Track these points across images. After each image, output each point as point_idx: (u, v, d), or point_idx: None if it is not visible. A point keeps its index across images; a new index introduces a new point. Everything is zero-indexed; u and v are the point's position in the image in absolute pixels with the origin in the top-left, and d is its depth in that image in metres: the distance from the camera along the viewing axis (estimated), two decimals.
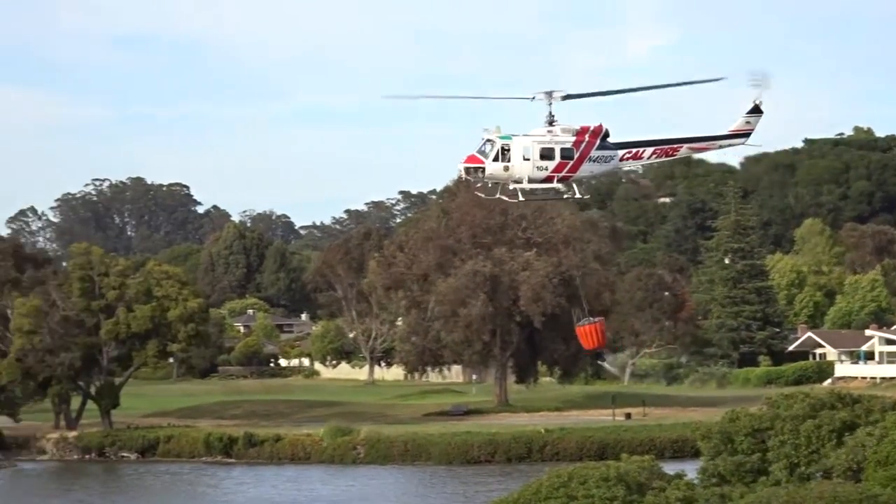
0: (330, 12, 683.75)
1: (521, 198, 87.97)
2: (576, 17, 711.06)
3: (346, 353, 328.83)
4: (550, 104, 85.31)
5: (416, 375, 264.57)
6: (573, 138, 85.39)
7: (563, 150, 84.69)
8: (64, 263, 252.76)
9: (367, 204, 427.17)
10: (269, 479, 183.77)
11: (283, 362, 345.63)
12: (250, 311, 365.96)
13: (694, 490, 74.99)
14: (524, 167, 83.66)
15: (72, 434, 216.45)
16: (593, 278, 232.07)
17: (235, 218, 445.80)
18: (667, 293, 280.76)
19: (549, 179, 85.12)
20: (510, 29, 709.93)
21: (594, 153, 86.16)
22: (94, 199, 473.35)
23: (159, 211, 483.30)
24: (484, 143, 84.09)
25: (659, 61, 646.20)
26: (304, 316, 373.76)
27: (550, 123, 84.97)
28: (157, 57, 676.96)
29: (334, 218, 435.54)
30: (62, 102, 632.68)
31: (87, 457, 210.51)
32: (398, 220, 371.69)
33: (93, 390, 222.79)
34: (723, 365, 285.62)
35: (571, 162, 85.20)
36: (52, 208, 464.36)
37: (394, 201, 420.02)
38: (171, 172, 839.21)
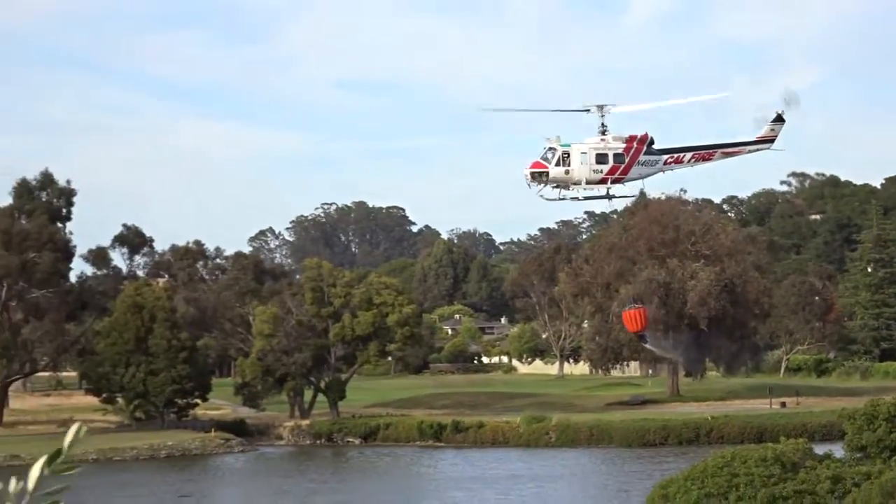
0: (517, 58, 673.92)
1: (580, 198, 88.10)
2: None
3: (539, 352, 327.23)
4: (602, 116, 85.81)
5: (600, 370, 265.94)
6: (623, 145, 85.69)
7: (615, 155, 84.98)
8: (297, 276, 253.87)
9: (557, 223, 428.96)
10: (475, 459, 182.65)
11: (485, 360, 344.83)
12: (457, 316, 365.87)
13: (841, 468, 74.58)
14: (582, 170, 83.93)
15: (305, 422, 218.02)
16: (753, 286, 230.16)
17: (444, 236, 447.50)
18: (817, 298, 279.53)
19: (603, 181, 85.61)
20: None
21: (642, 158, 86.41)
22: (323, 220, 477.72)
23: (379, 230, 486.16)
24: (546, 151, 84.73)
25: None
26: (503, 320, 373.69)
27: (603, 133, 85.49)
28: (375, 97, 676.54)
29: (529, 235, 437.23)
30: (297, 138, 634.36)
31: (317, 442, 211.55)
32: (584, 237, 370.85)
33: (322, 385, 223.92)
34: (866, 360, 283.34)
35: (623, 166, 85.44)
36: (287, 228, 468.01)
37: (580, 220, 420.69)
38: (389, 196, 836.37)
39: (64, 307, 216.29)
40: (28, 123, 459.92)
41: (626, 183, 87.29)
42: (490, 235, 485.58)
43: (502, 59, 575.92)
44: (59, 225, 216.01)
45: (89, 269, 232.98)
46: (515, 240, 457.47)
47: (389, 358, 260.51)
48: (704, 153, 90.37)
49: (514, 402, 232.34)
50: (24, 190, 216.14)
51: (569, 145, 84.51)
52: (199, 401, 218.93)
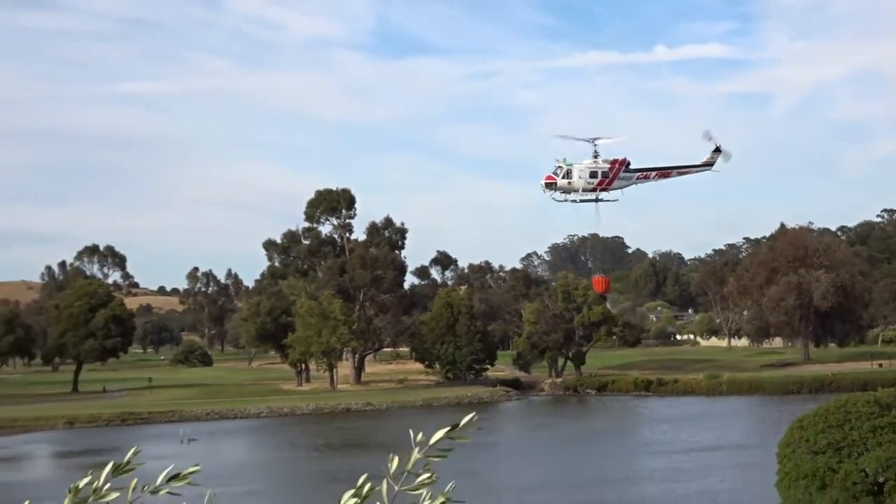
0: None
1: (578, 201, 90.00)
2: None
3: (714, 331, 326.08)
4: (595, 145, 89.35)
5: (756, 343, 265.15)
6: (608, 165, 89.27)
7: (602, 172, 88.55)
8: (552, 283, 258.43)
9: (725, 245, 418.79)
10: (673, 404, 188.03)
11: (678, 337, 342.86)
12: (659, 308, 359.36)
13: None
14: (579, 182, 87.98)
15: (558, 380, 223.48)
16: (858, 286, 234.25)
17: (650, 255, 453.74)
18: None
19: (594, 190, 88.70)
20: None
21: (621, 175, 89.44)
22: (569, 245, 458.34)
23: (606, 252, 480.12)
24: (556, 168, 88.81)
25: None
26: (690, 310, 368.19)
27: (595, 156, 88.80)
28: None
29: (706, 254, 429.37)
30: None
31: (567, 392, 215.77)
32: (743, 254, 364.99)
33: (570, 354, 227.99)
34: None
35: (607, 180, 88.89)
36: (545, 251, 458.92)
37: (741, 243, 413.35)
38: (613, 229, 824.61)
39: (400, 306, 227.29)
40: (379, 185, 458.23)
41: (609, 191, 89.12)
42: (681, 254, 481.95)
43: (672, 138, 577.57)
44: (397, 252, 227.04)
45: (417, 281, 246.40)
46: (698, 256, 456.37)
47: (614, 336, 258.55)
48: (664, 172, 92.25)
49: (698, 365, 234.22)
50: (373, 229, 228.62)
51: (571, 164, 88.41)
52: (488, 366, 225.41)
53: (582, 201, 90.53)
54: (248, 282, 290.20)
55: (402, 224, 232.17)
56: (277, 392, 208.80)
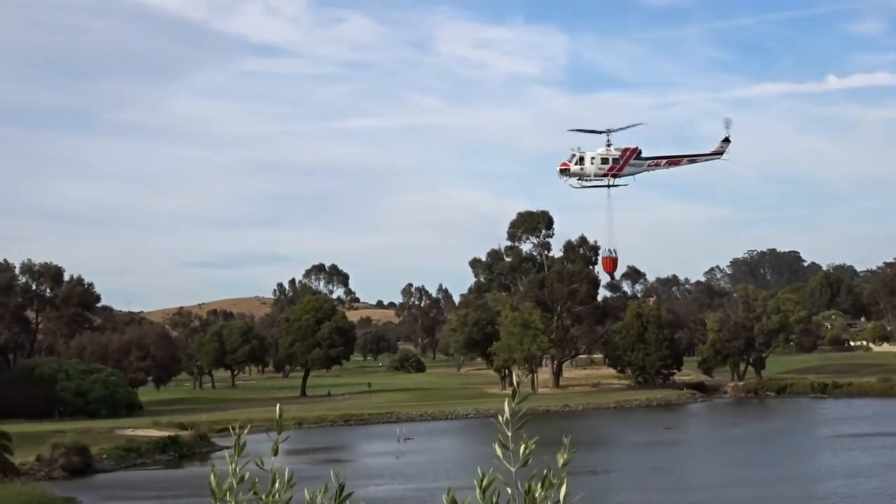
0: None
1: (588, 186, 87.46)
2: None
3: (885, 338, 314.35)
4: (608, 134, 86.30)
5: None
6: (619, 153, 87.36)
7: (613, 159, 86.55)
8: (734, 294, 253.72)
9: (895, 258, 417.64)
10: (848, 405, 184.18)
11: (852, 343, 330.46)
12: (833, 317, 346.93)
13: None
14: (591, 168, 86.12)
15: (740, 383, 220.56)
16: None
17: (824, 268, 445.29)
18: None
19: (605, 176, 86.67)
20: None
21: (632, 162, 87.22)
22: (749, 260, 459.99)
23: (783, 265, 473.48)
24: (571, 156, 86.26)
25: None
26: (862, 318, 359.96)
27: (608, 145, 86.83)
28: (780, 185, 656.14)
29: (877, 266, 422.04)
30: (725, 210, 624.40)
31: (748, 395, 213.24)
32: None
33: (751, 360, 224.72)
34: None
35: (618, 166, 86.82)
36: (727, 265, 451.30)
37: None
38: (789, 244, 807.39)
39: (594, 316, 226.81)
40: (574, 206, 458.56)
41: (621, 177, 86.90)
42: (853, 266, 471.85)
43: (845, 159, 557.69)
44: (591, 267, 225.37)
45: (609, 293, 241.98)
46: (870, 269, 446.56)
47: (792, 343, 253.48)
48: (674, 160, 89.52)
49: (871, 369, 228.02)
50: (569, 247, 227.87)
51: (584, 152, 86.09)
52: (675, 370, 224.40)
53: (594, 186, 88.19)
54: (457, 296, 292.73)
55: (596, 242, 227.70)
56: (483, 395, 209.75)
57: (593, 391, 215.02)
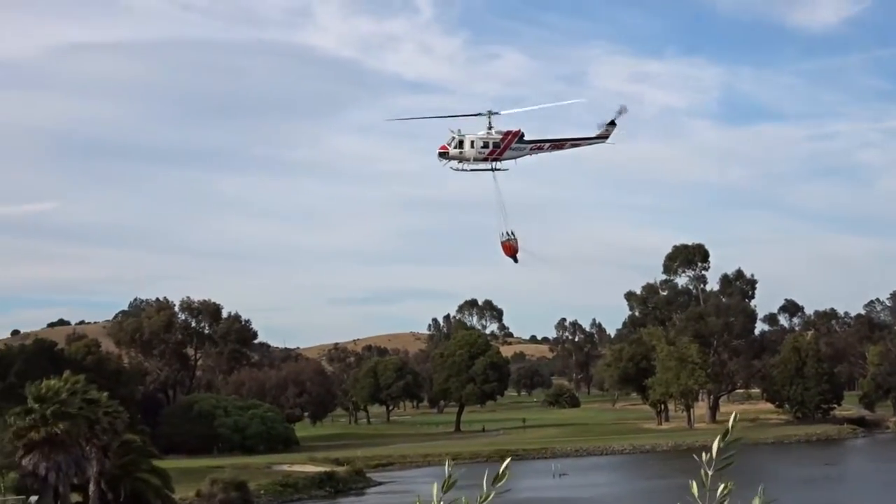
0: None
1: (468, 170, 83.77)
2: None
3: None
4: (489, 117, 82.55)
5: None
6: (500, 136, 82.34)
7: (494, 143, 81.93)
8: (895, 328, 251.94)
9: None
10: None
11: None
12: None
13: None
14: (471, 152, 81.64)
15: None
16: None
17: None
18: None
19: (486, 160, 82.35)
20: None
21: (513, 145, 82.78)
22: None
23: None
24: (450, 139, 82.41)
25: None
26: None
27: (489, 128, 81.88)
28: None
29: None
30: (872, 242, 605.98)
31: None
32: None
33: None
34: None
35: (499, 150, 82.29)
36: (887, 298, 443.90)
37: None
38: None
39: (751, 350, 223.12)
40: (728, 240, 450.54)
41: (502, 161, 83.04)
42: None
43: None
44: (748, 301, 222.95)
45: (766, 327, 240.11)
46: None
47: None
48: (558, 143, 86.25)
49: None
50: (726, 280, 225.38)
51: (463, 135, 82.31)
52: (835, 405, 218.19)
53: (473, 170, 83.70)
54: (611, 330, 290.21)
55: (752, 275, 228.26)
56: (639, 430, 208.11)
57: (751, 426, 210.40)
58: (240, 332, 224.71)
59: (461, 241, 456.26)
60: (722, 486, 7.13)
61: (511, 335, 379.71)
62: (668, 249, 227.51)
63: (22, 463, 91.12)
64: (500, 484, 7.28)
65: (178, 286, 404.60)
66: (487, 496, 7.35)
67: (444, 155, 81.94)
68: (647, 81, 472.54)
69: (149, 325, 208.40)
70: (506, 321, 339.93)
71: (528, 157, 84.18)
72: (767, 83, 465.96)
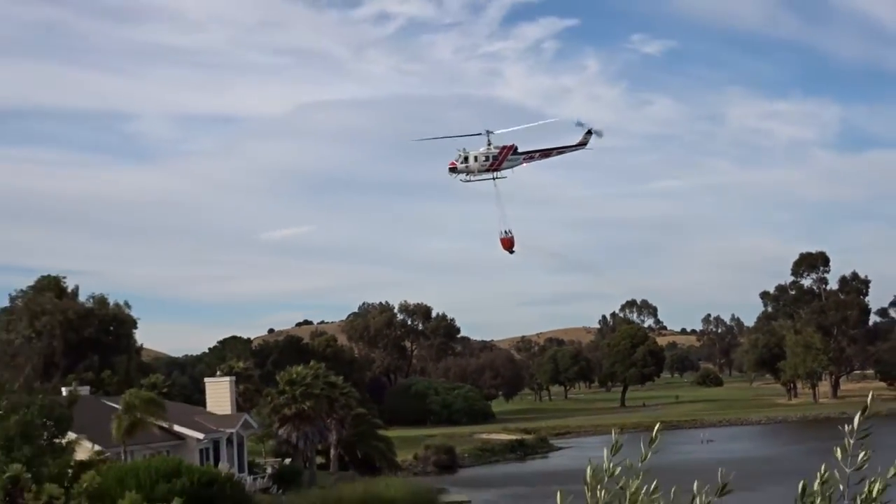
0: None
1: (474, 180, 79.47)
2: None
3: None
4: (489, 135, 79.17)
5: None
6: (498, 151, 78.88)
7: (493, 156, 78.56)
8: None
9: None
10: None
11: None
12: None
13: None
14: (475, 165, 78.51)
15: None
16: None
17: None
18: None
19: (488, 171, 78.79)
20: None
21: (509, 157, 79.16)
22: None
23: None
24: (457, 156, 79.10)
25: None
26: None
27: (489, 143, 78.65)
28: None
29: None
30: None
31: None
32: None
33: None
34: None
35: (497, 162, 78.75)
36: None
37: None
38: None
39: (866, 338, 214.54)
40: (848, 248, 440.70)
41: (501, 170, 79.28)
42: None
43: None
44: (862, 297, 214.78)
45: (879, 318, 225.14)
46: None
47: None
48: (546, 152, 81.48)
49: None
50: (843, 281, 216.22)
51: (468, 152, 79.22)
52: None
53: (479, 180, 79.27)
54: (748, 323, 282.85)
55: (866, 276, 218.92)
56: (772, 405, 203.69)
57: (860, 403, 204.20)
58: (446, 328, 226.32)
59: (622, 253, 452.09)
60: (862, 453, 6.83)
61: (665, 328, 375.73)
62: (795, 256, 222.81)
63: (278, 433, 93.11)
64: (654, 445, 7.17)
65: (397, 292, 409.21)
66: (646, 456, 7.20)
67: (453, 170, 79.23)
68: (777, 118, 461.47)
69: (374, 323, 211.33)
70: (660, 316, 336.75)
71: (522, 165, 79.96)
72: (878, 116, 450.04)
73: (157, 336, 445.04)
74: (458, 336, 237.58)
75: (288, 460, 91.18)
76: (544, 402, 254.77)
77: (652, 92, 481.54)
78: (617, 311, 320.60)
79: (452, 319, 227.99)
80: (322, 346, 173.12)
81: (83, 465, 46.38)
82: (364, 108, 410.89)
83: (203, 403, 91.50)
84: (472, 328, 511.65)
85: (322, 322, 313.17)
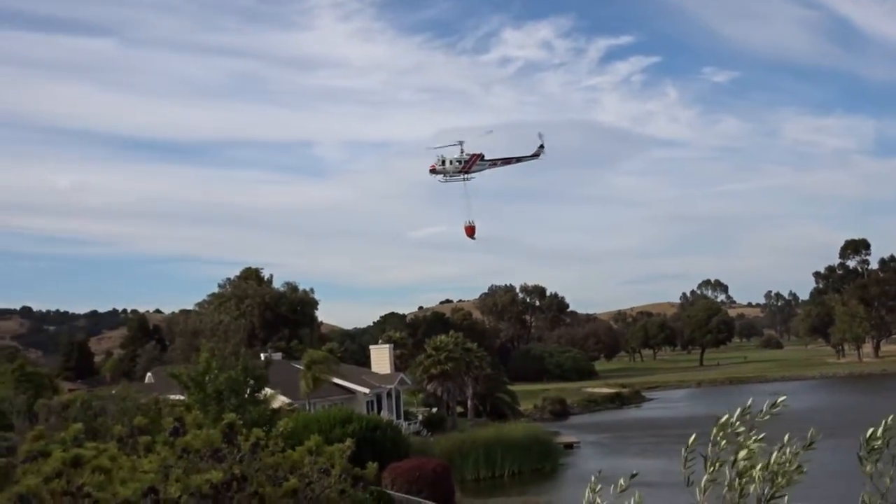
0: None
1: (448, 181, 75.14)
2: None
3: None
4: (462, 144, 74.79)
5: None
6: (469, 157, 74.51)
7: (465, 161, 74.16)
8: None
9: None
10: None
11: None
12: None
13: None
14: (450, 168, 74.04)
15: None
16: None
17: None
18: None
19: (460, 173, 74.32)
20: None
21: (477, 163, 74.74)
22: None
23: None
24: (438, 160, 74.63)
25: None
26: None
27: (462, 152, 74.31)
28: None
29: None
30: None
31: None
32: None
33: None
34: None
35: (468, 165, 74.45)
36: None
37: None
38: None
39: None
40: (888, 233, 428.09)
41: (471, 174, 74.94)
42: None
43: None
44: None
45: None
46: None
47: None
48: (507, 160, 77.48)
49: None
50: (883, 262, 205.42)
51: (444, 157, 74.99)
52: None
53: (451, 181, 74.81)
54: (803, 297, 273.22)
55: None
56: (824, 364, 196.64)
57: None
58: (558, 304, 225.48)
59: (701, 241, 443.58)
60: None
61: (734, 302, 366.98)
62: (842, 243, 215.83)
63: (427, 388, 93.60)
64: (775, 410, 6.18)
65: (517, 276, 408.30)
66: (769, 410, 6.09)
67: (433, 171, 75.43)
68: (823, 132, 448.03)
69: (501, 301, 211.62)
70: (730, 293, 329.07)
71: (488, 169, 76.65)
72: None
73: (334, 313, 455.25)
74: (568, 310, 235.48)
75: (434, 409, 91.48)
76: (637, 362, 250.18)
77: (721, 113, 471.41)
78: (695, 289, 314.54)
79: (563, 297, 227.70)
80: (460, 319, 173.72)
81: (275, 413, 47.13)
82: (492, 132, 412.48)
83: (368, 365, 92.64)
84: (579, 304, 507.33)
85: (460, 300, 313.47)
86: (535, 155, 77.34)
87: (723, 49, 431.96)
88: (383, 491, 46.96)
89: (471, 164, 75.77)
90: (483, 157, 76.83)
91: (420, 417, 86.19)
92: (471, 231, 75.73)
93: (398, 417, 79.69)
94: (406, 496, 48.82)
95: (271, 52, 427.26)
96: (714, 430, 5.33)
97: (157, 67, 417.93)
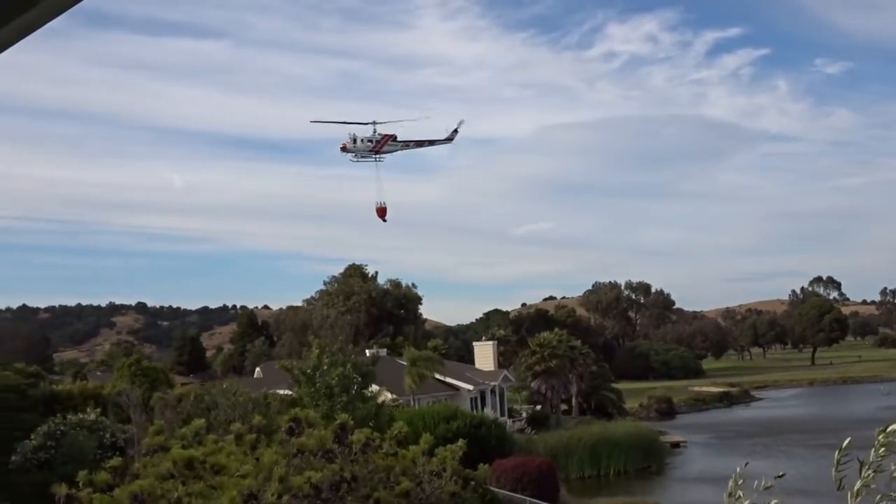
0: None
1: (358, 161, 72.91)
2: None
3: None
4: (375, 124, 72.11)
5: None
6: (380, 137, 72.00)
7: (376, 141, 71.57)
8: None
9: None
10: None
11: None
12: None
13: None
14: (361, 146, 71.56)
15: None
16: None
17: None
18: None
19: (370, 153, 71.93)
20: None
21: (388, 144, 72.31)
22: None
23: None
24: (349, 138, 72.04)
25: None
26: None
27: (374, 132, 71.69)
28: None
29: None
30: None
31: None
32: None
33: None
34: None
35: (379, 145, 71.94)
36: None
37: None
38: None
39: None
40: None
41: (382, 154, 73.06)
42: None
43: None
44: None
45: None
46: None
47: None
48: (420, 142, 75.17)
49: None
50: None
51: (355, 136, 72.52)
52: None
53: (362, 160, 72.63)
54: None
55: None
56: None
57: None
58: (663, 301, 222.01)
59: (811, 238, 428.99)
60: None
61: (848, 299, 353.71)
62: None
63: (531, 385, 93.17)
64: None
65: (623, 273, 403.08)
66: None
67: (343, 150, 73.10)
68: None
69: (605, 298, 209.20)
70: (843, 290, 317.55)
71: (401, 150, 74.43)
72: None
73: (438, 310, 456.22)
74: (674, 307, 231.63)
75: (538, 407, 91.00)
76: (746, 360, 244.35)
77: (833, 105, 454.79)
78: (805, 286, 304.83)
79: (668, 294, 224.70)
80: (564, 316, 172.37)
81: (380, 407, 47.53)
82: (594, 128, 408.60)
83: (472, 362, 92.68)
84: (685, 301, 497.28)
85: (564, 297, 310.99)
86: (449, 139, 75.65)
87: (836, 40, 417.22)
88: (488, 488, 46.84)
89: (382, 144, 74.40)
90: (395, 137, 75.25)
91: (524, 415, 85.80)
92: (382, 212, 73.02)
93: (502, 415, 79.47)
94: (511, 493, 48.54)
95: (375, 52, 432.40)
96: (879, 437, 4.93)
97: (265, 67, 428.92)
